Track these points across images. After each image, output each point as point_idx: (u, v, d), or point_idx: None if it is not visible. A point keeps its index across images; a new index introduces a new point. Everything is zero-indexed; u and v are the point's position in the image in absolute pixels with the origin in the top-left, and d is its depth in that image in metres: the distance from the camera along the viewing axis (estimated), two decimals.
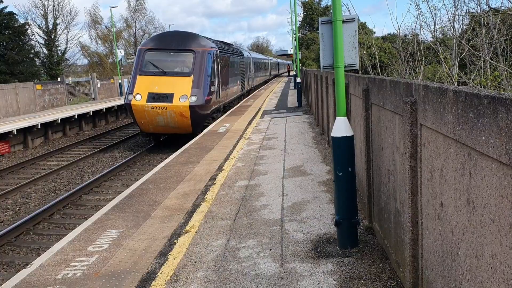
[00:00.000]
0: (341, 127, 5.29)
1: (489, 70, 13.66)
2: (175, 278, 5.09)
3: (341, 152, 5.29)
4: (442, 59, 13.31)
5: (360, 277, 4.76)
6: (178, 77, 18.12)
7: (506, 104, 2.09)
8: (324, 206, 7.19)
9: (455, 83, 12.95)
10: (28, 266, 5.77)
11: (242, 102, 30.61)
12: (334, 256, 5.33)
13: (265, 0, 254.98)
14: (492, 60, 13.59)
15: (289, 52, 66.49)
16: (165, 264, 5.47)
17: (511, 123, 2.05)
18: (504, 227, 2.21)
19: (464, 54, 13.55)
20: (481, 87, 12.61)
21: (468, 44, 13.94)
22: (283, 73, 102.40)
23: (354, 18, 5.24)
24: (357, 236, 5.55)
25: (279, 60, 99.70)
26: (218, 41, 26.30)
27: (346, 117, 5.36)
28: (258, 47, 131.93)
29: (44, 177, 15.22)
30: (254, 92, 40.67)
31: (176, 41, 18.93)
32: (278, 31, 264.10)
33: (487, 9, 13.23)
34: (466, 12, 14.52)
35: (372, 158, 5.77)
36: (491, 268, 2.38)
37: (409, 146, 3.71)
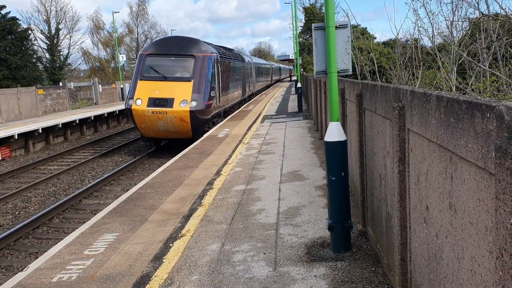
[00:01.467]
0: (334, 132, 5.33)
1: (488, 75, 13.70)
2: (169, 281, 5.13)
3: (334, 157, 5.34)
4: (440, 65, 13.36)
5: (352, 281, 4.80)
6: (179, 82, 18.21)
7: (482, 109, 2.14)
8: (319, 210, 7.23)
9: (453, 89, 12.99)
10: (24, 269, 5.82)
11: (243, 107, 30.69)
12: (327, 260, 5.36)
13: (269, 6, 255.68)
14: (491, 65, 13.63)
15: (290, 57, 66.71)
16: (159, 267, 5.52)
17: (486, 127, 2.09)
18: (481, 230, 2.25)
19: (462, 59, 13.60)
20: (479, 92, 12.66)
21: (467, 49, 14.00)
22: (284, 78, 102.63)
23: (346, 24, 5.30)
24: (350, 240, 5.58)
25: (281, 65, 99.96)
26: (219, 46, 26.42)
27: (339, 122, 5.41)
28: (260, 52, 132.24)
29: (45, 181, 15.28)
30: (255, 97, 40.77)
31: (177, 46, 19.04)
32: (281, 36, 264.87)
33: (487, 13, 13.28)
34: (464, 17, 14.58)
35: (365, 162, 5.82)
36: (471, 270, 2.42)
37: (398, 151, 3.76)
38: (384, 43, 37.98)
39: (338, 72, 5.31)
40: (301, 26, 61.39)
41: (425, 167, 3.20)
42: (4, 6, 44.11)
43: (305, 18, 63.07)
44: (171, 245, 6.22)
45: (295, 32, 34.00)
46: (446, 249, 2.83)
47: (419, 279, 3.55)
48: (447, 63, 13.85)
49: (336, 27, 5.23)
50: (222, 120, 22.86)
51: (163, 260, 5.72)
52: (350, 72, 5.40)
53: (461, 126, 2.42)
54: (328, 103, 11.12)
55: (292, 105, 28.97)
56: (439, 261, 2.98)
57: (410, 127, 3.52)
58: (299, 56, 33.37)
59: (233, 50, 34.16)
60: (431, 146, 3.04)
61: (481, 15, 11.88)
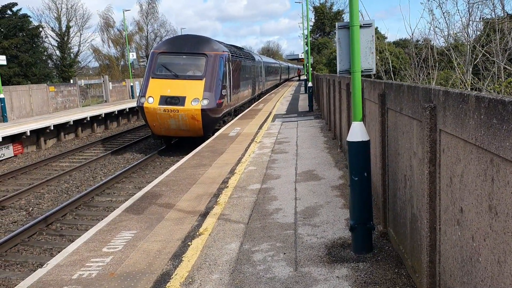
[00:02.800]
0: (357, 132, 5.29)
1: (503, 76, 13.57)
2: (190, 280, 5.11)
3: (356, 157, 5.29)
4: (455, 65, 13.24)
5: (375, 282, 4.75)
6: (190, 81, 18.21)
7: None
8: (337, 211, 7.18)
9: (469, 89, 12.88)
10: (44, 265, 5.83)
11: (252, 105, 30.66)
12: (348, 261, 5.32)
13: (279, 5, 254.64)
14: (506, 66, 13.49)
15: (299, 57, 66.57)
16: (179, 266, 5.50)
17: None
18: None
19: (477, 60, 13.48)
20: (494, 93, 12.54)
21: (482, 50, 13.87)
22: (293, 77, 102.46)
23: (371, 23, 5.25)
24: (372, 241, 5.54)
25: (290, 65, 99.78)
26: (230, 45, 26.41)
27: (362, 122, 5.36)
28: (268, 51, 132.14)
29: (57, 178, 15.35)
30: (265, 96, 40.73)
31: (189, 45, 19.04)
32: (290, 35, 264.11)
33: (502, 15, 13.16)
34: (480, 18, 14.45)
35: (387, 163, 5.76)
36: None
37: (428, 152, 3.71)
38: (394, 43, 37.76)
39: (361, 71, 5.26)
40: (310, 26, 61.22)
41: (460, 168, 3.15)
42: (15, 4, 44.40)
43: (315, 17, 62.95)
44: (189, 243, 6.21)
45: (306, 31, 33.90)
46: (484, 252, 2.78)
47: (449, 281, 3.50)
48: (462, 64, 13.73)
49: (361, 26, 5.18)
50: (232, 119, 22.85)
51: (182, 259, 5.70)
52: (374, 72, 5.35)
53: (506, 127, 2.37)
54: (343, 103, 11.03)
55: (302, 104, 28.90)
56: (475, 264, 2.93)
57: (443, 127, 3.47)
58: (310, 56, 33.22)
59: (243, 49, 34.14)
60: (467, 148, 2.99)
61: (496, 16, 11.76)
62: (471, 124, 2.87)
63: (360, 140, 5.27)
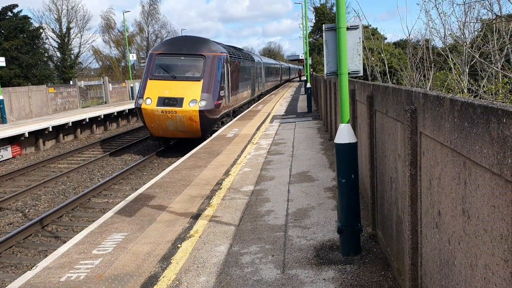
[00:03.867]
0: (344, 134, 5.28)
1: (500, 77, 13.54)
2: (177, 282, 5.11)
3: (344, 159, 5.29)
4: (452, 66, 13.23)
5: (361, 284, 4.75)
6: (188, 82, 18.23)
7: (498, 115, 2.08)
8: (328, 212, 7.18)
9: (465, 90, 12.86)
10: (33, 268, 5.83)
11: (252, 107, 30.67)
12: (336, 263, 5.31)
13: (281, 5, 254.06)
14: (503, 67, 13.47)
15: (300, 57, 66.58)
16: (167, 268, 5.50)
17: (502, 133, 2.04)
18: (496, 238, 2.20)
19: (474, 61, 13.46)
20: (491, 94, 12.52)
21: (479, 51, 13.84)
22: (294, 78, 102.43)
23: (358, 25, 5.25)
24: (359, 243, 5.53)
25: (290, 65, 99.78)
26: (228, 46, 26.42)
27: (349, 124, 5.36)
28: (269, 52, 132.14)
29: (54, 179, 15.36)
30: (265, 97, 40.73)
31: (187, 46, 19.06)
32: (292, 36, 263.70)
33: (499, 14, 13.12)
34: (476, 18, 14.43)
35: (376, 165, 5.76)
36: (484, 278, 2.37)
37: (409, 154, 3.71)
38: (394, 43, 37.76)
39: (348, 73, 5.26)
40: (311, 26, 61.28)
41: (438, 171, 3.15)
42: (16, 5, 44.51)
43: (315, 18, 62.98)
44: (179, 245, 6.21)
45: (305, 32, 33.90)
46: (458, 256, 2.78)
47: (430, 284, 3.49)
48: (459, 65, 13.71)
49: (347, 28, 5.18)
50: (231, 120, 22.86)
51: (171, 261, 5.70)
52: (361, 74, 5.35)
53: (476, 131, 2.37)
54: (338, 104, 11.05)
55: (302, 105, 28.90)
56: (451, 268, 2.92)
57: (423, 130, 3.47)
58: (309, 56, 33.26)
59: (242, 49, 34.14)
60: (444, 150, 2.99)
61: (494, 16, 11.74)
62: (446, 127, 2.87)
63: (348, 142, 5.27)
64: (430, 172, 3.34)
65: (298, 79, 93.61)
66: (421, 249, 3.69)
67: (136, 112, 19.15)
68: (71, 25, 56.14)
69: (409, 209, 3.77)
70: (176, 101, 17.75)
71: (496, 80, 12.97)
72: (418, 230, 3.72)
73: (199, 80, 18.25)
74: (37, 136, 22.34)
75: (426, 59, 14.21)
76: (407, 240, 3.90)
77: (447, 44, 14.87)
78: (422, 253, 3.65)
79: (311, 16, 63.11)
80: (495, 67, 11.98)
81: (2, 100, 25.65)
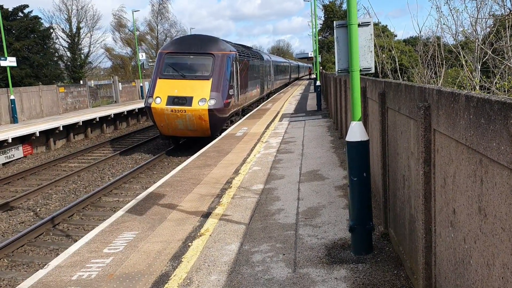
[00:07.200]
0: (355, 132, 5.23)
1: None
2: (188, 281, 5.10)
3: (355, 157, 5.24)
4: (464, 63, 13.07)
5: (373, 283, 4.70)
6: (198, 81, 18.24)
7: None
8: (339, 211, 7.13)
9: (477, 87, 12.70)
10: (45, 266, 5.86)
11: (261, 105, 30.63)
12: (348, 262, 5.27)
13: (293, 3, 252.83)
14: None
15: (309, 55, 66.37)
16: (178, 267, 5.49)
17: None
18: None
19: (486, 57, 13.29)
20: (504, 91, 12.35)
21: (491, 47, 13.67)
22: (303, 76, 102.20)
23: (369, 22, 5.19)
24: (371, 242, 5.48)
25: (300, 63, 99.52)
26: (238, 44, 26.39)
27: (361, 122, 5.31)
28: (278, 50, 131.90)
29: (65, 178, 15.46)
30: (274, 96, 40.67)
31: (196, 45, 19.07)
32: (303, 34, 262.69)
33: None
34: (489, 14, 14.24)
35: (388, 163, 5.70)
36: (502, 278, 2.32)
37: (423, 152, 3.65)
38: (405, 40, 37.50)
39: (360, 70, 5.21)
40: (320, 24, 61.02)
41: (452, 169, 3.10)
42: (26, 6, 44.82)
43: (324, 15, 62.74)
44: (190, 244, 6.20)
45: (314, 30, 33.79)
46: (474, 255, 2.73)
47: (444, 283, 3.44)
48: (471, 62, 13.56)
49: (359, 25, 5.12)
50: (240, 119, 22.84)
51: (182, 260, 5.69)
52: (373, 71, 5.29)
53: (493, 127, 2.31)
54: (349, 102, 10.97)
55: (311, 103, 28.80)
56: (467, 267, 2.87)
57: (436, 127, 3.41)
58: (318, 54, 33.13)
59: (251, 48, 34.12)
60: (459, 148, 2.94)
61: (507, 11, 11.59)
62: (461, 124, 2.82)
63: (359, 140, 5.22)
64: (445, 170, 3.28)
65: (307, 77, 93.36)
66: (435, 247, 3.63)
67: (146, 111, 19.22)
68: (81, 25, 56.48)
69: (422, 207, 3.72)
70: (185, 100, 17.77)
71: (510, 77, 12.79)
72: (432, 228, 3.67)
73: (208, 79, 18.25)
74: (48, 135, 22.51)
75: (437, 56, 14.06)
76: (420, 239, 3.85)
77: (459, 41, 14.70)
78: (436, 252, 3.60)
79: (320, 13, 62.88)
80: (508, 63, 11.82)
81: (14, 100, 25.87)
